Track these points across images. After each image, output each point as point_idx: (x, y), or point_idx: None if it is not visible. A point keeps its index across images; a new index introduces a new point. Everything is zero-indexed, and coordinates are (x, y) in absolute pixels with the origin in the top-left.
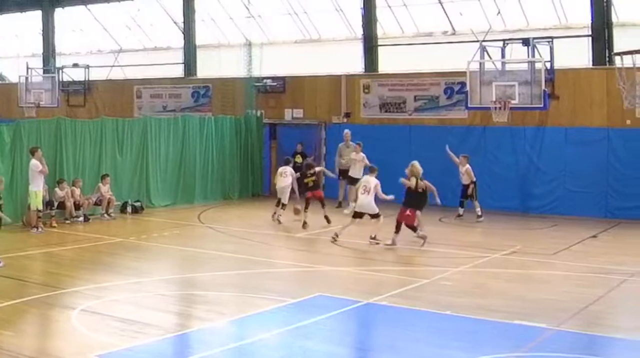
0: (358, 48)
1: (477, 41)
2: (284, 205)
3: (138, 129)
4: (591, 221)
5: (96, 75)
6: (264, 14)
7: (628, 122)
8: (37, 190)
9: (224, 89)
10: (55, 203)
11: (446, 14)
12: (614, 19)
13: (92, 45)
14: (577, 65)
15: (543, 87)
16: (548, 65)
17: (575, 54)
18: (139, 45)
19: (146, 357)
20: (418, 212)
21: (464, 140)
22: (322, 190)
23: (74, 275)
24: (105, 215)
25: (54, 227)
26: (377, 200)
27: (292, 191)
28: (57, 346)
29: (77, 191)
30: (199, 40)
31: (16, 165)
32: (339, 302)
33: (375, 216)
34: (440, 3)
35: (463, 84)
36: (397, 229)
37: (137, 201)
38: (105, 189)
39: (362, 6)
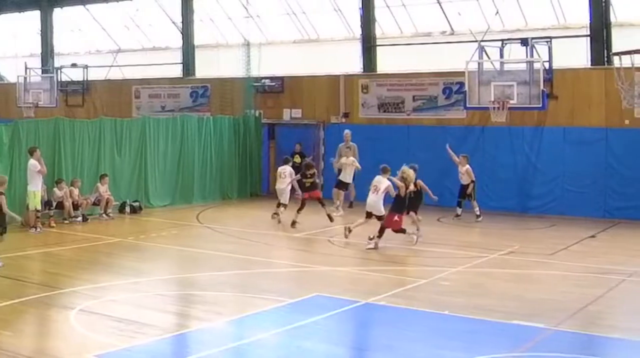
0: (356, 48)
1: (476, 41)
2: (284, 205)
3: (136, 129)
4: (590, 221)
5: (95, 75)
6: (263, 14)
7: (627, 122)
8: (36, 190)
9: (223, 89)
10: (54, 203)
11: (445, 14)
12: (612, 19)
13: (90, 45)
14: (575, 65)
15: (541, 87)
16: (546, 65)
17: (574, 54)
18: (137, 45)
19: (144, 357)
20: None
21: (462, 140)
22: (320, 190)
23: (73, 275)
24: (104, 215)
25: (53, 227)
26: (387, 201)
27: (293, 189)
28: (55, 346)
29: (76, 191)
30: (198, 40)
31: (15, 165)
32: (337, 302)
33: (380, 218)
34: (439, 3)
35: (461, 84)
36: (380, 234)
37: (136, 201)
38: (104, 189)
39: (361, 6)
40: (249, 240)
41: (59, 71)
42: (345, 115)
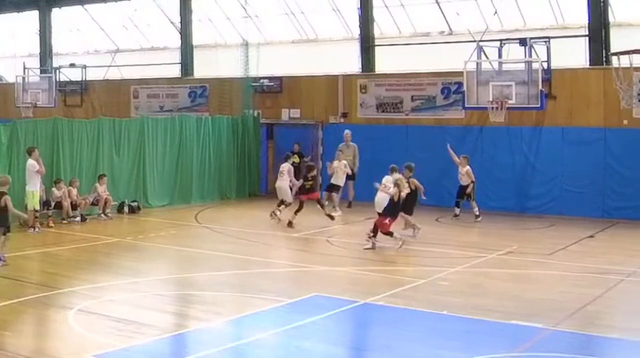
0: (355, 48)
1: (474, 41)
2: (288, 203)
3: (135, 129)
4: (588, 221)
5: (93, 75)
6: (261, 14)
7: (625, 122)
8: (34, 190)
9: (221, 89)
10: (52, 203)
11: (443, 14)
12: (610, 19)
13: (89, 45)
14: (574, 65)
15: (540, 87)
16: (545, 65)
17: (572, 54)
18: (135, 45)
19: (143, 357)
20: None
21: (461, 140)
22: (319, 191)
23: (71, 275)
24: (102, 215)
25: (51, 227)
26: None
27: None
28: (54, 346)
29: (74, 191)
30: (196, 40)
31: (13, 165)
32: (335, 302)
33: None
34: (437, 3)
35: (460, 84)
36: (375, 233)
37: (134, 201)
38: (102, 189)
39: (359, 6)
40: (248, 240)
41: (57, 71)
42: (344, 115)
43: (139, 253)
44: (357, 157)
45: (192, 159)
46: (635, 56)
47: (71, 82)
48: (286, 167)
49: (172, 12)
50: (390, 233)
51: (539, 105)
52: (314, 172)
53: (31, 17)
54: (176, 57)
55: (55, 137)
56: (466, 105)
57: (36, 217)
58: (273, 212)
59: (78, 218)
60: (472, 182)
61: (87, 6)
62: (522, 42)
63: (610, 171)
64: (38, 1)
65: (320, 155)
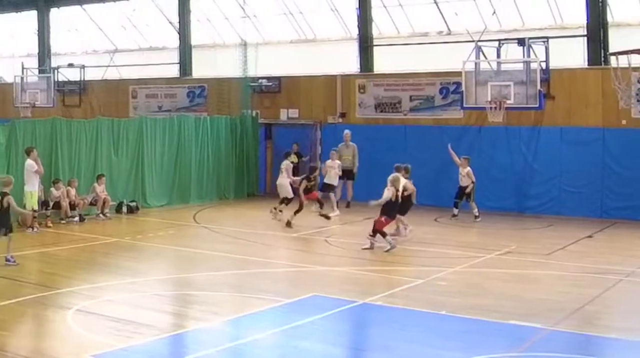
0: (353, 48)
1: (473, 41)
2: (289, 200)
3: (133, 129)
4: (587, 221)
5: (92, 75)
6: (260, 14)
7: (624, 122)
8: (33, 190)
9: (220, 89)
10: (51, 204)
11: (442, 14)
12: (609, 19)
13: (87, 45)
14: (572, 65)
15: (538, 87)
16: (543, 65)
17: (571, 54)
18: (134, 45)
19: (141, 357)
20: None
21: (459, 140)
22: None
23: (70, 275)
24: (101, 215)
25: (50, 227)
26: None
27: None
28: (52, 346)
29: (73, 191)
30: (195, 40)
31: (11, 165)
32: (334, 302)
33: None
34: (436, 3)
35: (458, 84)
36: (374, 233)
37: (133, 201)
38: (101, 189)
39: (358, 6)
40: (246, 240)
41: (56, 71)
42: (342, 115)
43: (138, 253)
44: (356, 157)
45: (190, 159)
46: (633, 56)
47: (70, 82)
48: (284, 165)
49: (171, 12)
50: (383, 233)
51: (537, 105)
52: (317, 173)
53: (30, 17)
54: (175, 57)
55: (54, 137)
56: (465, 105)
57: (34, 217)
58: (274, 207)
59: (76, 219)
60: (472, 182)
61: (85, 6)
62: (521, 42)
63: (608, 171)
64: (36, 1)
65: (319, 155)
